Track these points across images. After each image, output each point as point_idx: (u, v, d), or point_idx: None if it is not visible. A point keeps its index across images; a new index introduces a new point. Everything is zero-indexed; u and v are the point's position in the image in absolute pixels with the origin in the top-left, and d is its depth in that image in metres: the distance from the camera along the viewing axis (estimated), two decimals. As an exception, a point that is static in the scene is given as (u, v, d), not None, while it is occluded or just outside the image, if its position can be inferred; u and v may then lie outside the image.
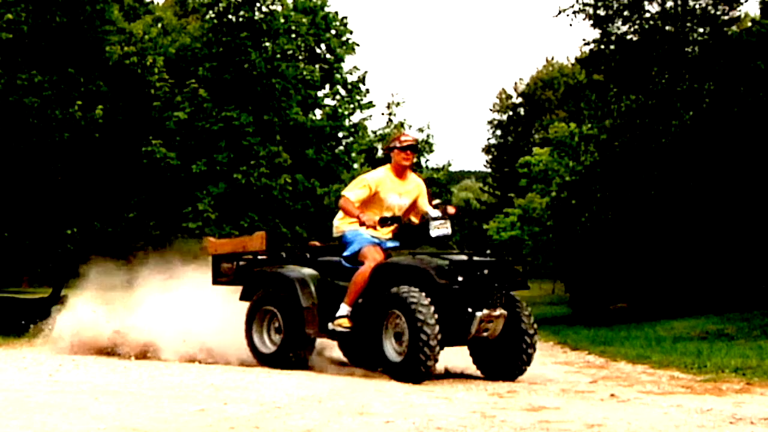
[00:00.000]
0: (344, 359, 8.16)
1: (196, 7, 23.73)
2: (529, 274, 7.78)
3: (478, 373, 7.31)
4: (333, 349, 8.31)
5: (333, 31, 25.48)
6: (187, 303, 8.38)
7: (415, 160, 7.77)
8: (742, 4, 24.32)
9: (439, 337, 6.48)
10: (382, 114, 28.21)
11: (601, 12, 22.66)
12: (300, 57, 24.45)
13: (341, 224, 7.44)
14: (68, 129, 17.11)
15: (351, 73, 25.44)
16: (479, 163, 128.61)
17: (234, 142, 20.07)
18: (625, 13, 22.67)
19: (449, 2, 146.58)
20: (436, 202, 7.47)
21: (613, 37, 22.77)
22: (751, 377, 7.24)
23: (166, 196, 19.85)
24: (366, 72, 25.53)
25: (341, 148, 24.21)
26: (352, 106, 24.97)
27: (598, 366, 9.06)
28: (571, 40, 56.22)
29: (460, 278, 6.69)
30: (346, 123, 24.44)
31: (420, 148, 22.68)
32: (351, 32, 25.74)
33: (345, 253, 7.29)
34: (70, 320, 8.89)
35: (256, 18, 21.55)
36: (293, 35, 23.18)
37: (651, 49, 22.11)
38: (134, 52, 19.41)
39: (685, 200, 20.41)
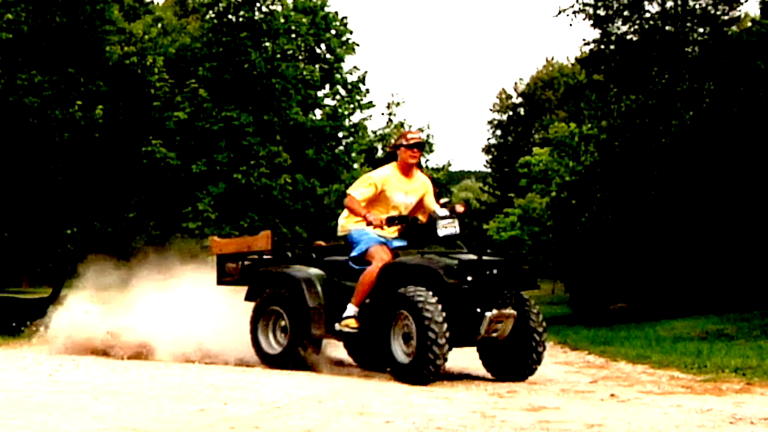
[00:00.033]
0: (344, 359, 8.13)
1: (196, 7, 23.75)
2: (536, 273, 7.66)
3: (479, 373, 7.27)
4: (333, 349, 8.28)
5: (333, 31, 25.43)
6: (184, 303, 8.30)
7: (421, 158, 7.70)
8: (742, 4, 24.37)
9: (448, 337, 6.36)
10: (382, 114, 28.30)
11: (601, 12, 22.70)
12: (300, 57, 24.42)
13: (346, 223, 7.32)
14: (68, 129, 17.10)
15: (351, 73, 25.40)
16: (479, 163, 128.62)
17: (234, 142, 20.07)
18: (625, 13, 22.71)
19: (449, 2, 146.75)
20: (443, 200, 7.35)
21: (613, 37, 22.80)
22: (751, 377, 7.23)
23: (166, 196, 19.85)
24: (366, 72, 25.50)
25: (341, 148, 24.16)
26: (352, 106, 24.92)
27: (598, 366, 9.05)
28: (571, 40, 56.36)
29: (469, 278, 6.55)
30: (346, 123, 24.39)
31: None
32: (351, 32, 25.71)
33: (352, 254, 7.14)
34: (65, 320, 8.81)
35: (256, 18, 21.56)
36: (293, 35, 23.15)
37: (651, 49, 22.14)
38: (134, 52, 19.41)
39: (684, 200, 20.42)
